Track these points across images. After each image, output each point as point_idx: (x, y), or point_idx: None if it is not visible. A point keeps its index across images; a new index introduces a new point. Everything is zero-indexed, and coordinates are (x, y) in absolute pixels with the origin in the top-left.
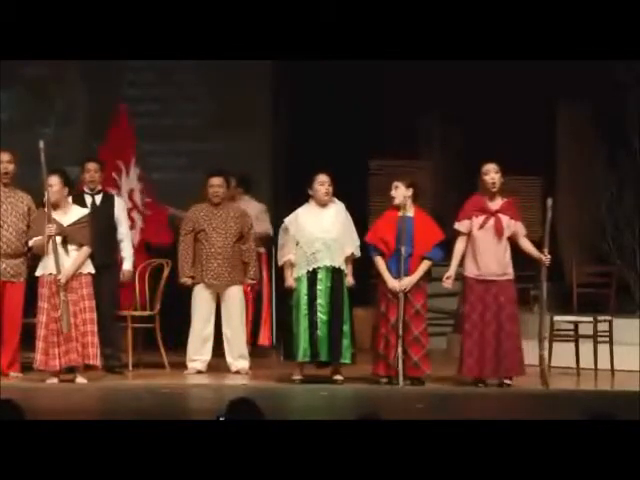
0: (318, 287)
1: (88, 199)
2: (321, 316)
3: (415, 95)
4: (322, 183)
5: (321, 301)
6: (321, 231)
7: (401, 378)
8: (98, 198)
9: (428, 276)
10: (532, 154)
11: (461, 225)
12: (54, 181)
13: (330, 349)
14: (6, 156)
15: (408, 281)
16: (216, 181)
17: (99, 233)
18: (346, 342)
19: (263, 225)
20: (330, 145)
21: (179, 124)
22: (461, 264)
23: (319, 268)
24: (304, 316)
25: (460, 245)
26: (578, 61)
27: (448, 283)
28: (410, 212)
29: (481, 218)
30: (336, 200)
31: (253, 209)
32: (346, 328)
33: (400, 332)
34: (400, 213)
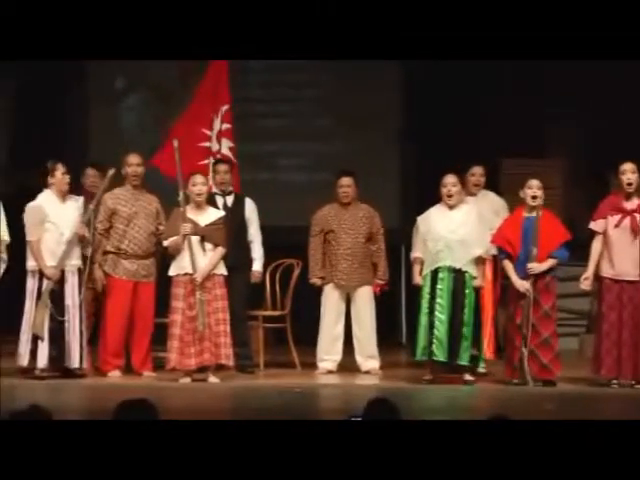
0: (438, 286)
1: (219, 200)
2: (439, 315)
3: (544, 94)
4: (444, 185)
5: (440, 301)
6: (447, 231)
7: (529, 378)
8: (229, 199)
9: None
10: None
11: (596, 225)
12: (202, 180)
13: (448, 349)
14: (136, 159)
15: (536, 267)
16: (346, 181)
17: (231, 234)
18: (465, 344)
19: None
20: (459, 145)
21: (305, 124)
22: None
23: (440, 268)
24: (425, 314)
25: (597, 245)
26: None
27: (586, 284)
28: (537, 212)
29: (616, 217)
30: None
31: (494, 203)
32: (466, 330)
33: (528, 333)
34: (526, 213)
